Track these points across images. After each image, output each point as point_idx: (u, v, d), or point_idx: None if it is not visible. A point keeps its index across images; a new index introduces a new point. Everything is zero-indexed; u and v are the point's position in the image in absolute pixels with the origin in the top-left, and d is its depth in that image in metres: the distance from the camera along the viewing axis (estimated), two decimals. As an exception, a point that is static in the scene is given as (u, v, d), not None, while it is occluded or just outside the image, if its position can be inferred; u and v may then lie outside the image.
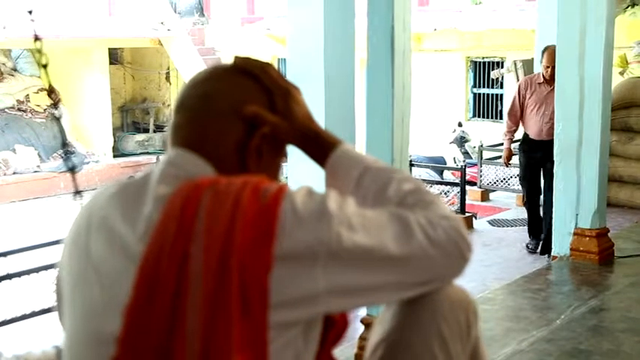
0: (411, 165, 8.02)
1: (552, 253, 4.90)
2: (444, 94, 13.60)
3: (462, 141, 12.40)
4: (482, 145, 9.62)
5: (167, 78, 16.67)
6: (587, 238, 4.70)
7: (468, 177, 8.73)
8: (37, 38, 2.43)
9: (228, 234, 1.05)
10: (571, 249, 4.74)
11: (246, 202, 1.07)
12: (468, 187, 8.58)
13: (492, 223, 7.60)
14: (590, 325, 3.66)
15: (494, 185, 9.25)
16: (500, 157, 7.97)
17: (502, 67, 12.00)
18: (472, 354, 1.29)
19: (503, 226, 7.38)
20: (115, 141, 15.50)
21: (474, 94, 13.75)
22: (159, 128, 16.34)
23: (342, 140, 1.27)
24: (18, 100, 14.60)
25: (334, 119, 3.45)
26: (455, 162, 11.86)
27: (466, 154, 12.04)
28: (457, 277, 1.18)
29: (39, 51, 2.42)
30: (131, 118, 16.94)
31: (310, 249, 1.05)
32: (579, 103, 4.65)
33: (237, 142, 1.18)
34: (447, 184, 9.24)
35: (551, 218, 5.03)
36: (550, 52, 5.51)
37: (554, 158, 4.81)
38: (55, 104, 12.26)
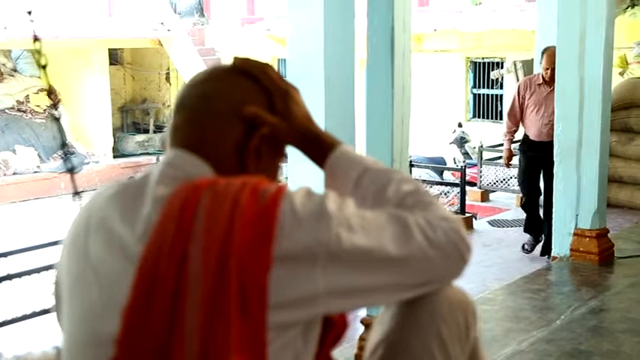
0: (411, 165, 8.02)
1: (552, 254, 4.90)
2: (443, 94, 13.60)
3: (461, 141, 12.40)
4: (482, 146, 9.62)
5: (167, 78, 16.67)
6: (587, 239, 4.70)
7: (467, 177, 8.74)
8: (36, 39, 2.43)
9: (227, 235, 1.05)
10: (571, 249, 4.74)
11: (245, 203, 1.07)
12: (467, 188, 8.59)
13: (492, 223, 7.60)
14: (590, 326, 3.66)
15: (494, 186, 9.25)
16: (500, 157, 7.99)
17: (502, 68, 12.01)
18: (471, 355, 1.29)
19: (503, 227, 7.38)
20: (114, 141, 15.50)
21: (474, 95, 13.75)
22: (159, 129, 16.34)
23: (341, 141, 1.27)
24: (18, 101, 14.61)
25: (334, 120, 3.45)
26: (455, 162, 11.86)
27: (466, 154, 12.04)
28: (456, 279, 1.18)
29: (38, 52, 2.42)
30: (131, 118, 16.95)
31: (309, 250, 1.05)
32: (579, 104, 4.65)
33: (236, 142, 1.18)
34: (447, 184, 9.25)
35: (551, 219, 5.03)
36: (549, 53, 5.50)
37: (555, 159, 4.80)
38: (55, 105, 12.26)
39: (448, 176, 11.08)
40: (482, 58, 13.42)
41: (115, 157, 15.24)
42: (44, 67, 2.41)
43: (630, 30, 9.22)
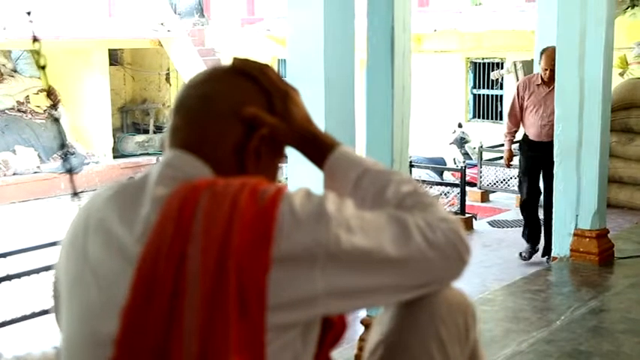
0: (411, 166, 8.02)
1: (552, 254, 4.90)
2: (443, 95, 13.60)
3: (461, 142, 12.40)
4: (482, 146, 9.62)
5: (167, 79, 16.67)
6: (587, 239, 4.69)
7: (467, 178, 8.75)
8: (35, 39, 2.42)
9: (225, 235, 1.05)
10: (571, 250, 4.74)
11: (243, 204, 1.07)
12: (468, 188, 8.59)
13: (492, 224, 7.60)
14: (590, 326, 3.66)
15: (494, 186, 9.26)
16: (500, 158, 7.99)
17: (502, 68, 12.01)
18: (471, 357, 1.29)
19: (503, 227, 7.39)
20: (114, 142, 15.50)
21: (474, 95, 13.75)
22: (159, 129, 16.34)
23: (340, 142, 1.27)
24: (18, 101, 14.60)
25: (334, 120, 3.45)
26: (455, 163, 11.86)
27: (466, 155, 12.05)
28: (455, 280, 1.18)
29: (37, 52, 2.42)
30: (131, 119, 16.95)
31: (308, 251, 1.05)
32: (579, 104, 4.65)
33: (235, 143, 1.18)
34: (447, 185, 9.25)
35: (551, 220, 5.02)
36: (548, 54, 5.49)
37: (555, 159, 4.80)
38: (55, 105, 12.26)
39: (448, 177, 11.09)
40: (483, 59, 13.42)
41: (114, 157, 15.24)
42: (43, 67, 2.41)
43: (630, 30, 9.22)
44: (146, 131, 16.49)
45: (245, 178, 1.13)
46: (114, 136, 15.49)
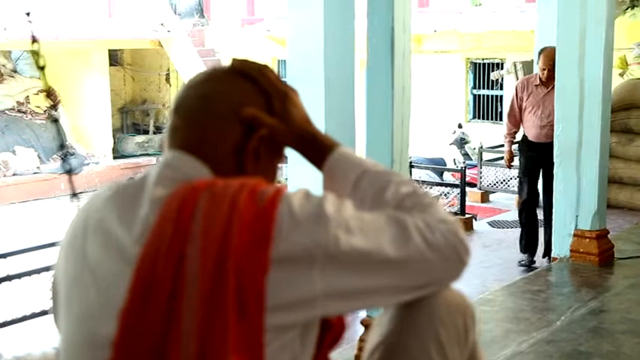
0: (411, 166, 8.01)
1: (552, 255, 4.90)
2: (443, 95, 13.60)
3: (461, 142, 12.41)
4: (482, 147, 9.62)
5: (167, 79, 16.68)
6: (587, 240, 4.69)
7: (468, 178, 8.75)
8: (34, 40, 2.42)
9: (224, 236, 1.05)
10: (571, 250, 4.74)
11: (243, 205, 1.07)
12: (468, 189, 8.59)
13: (492, 224, 7.60)
14: (590, 327, 3.65)
15: (494, 187, 9.26)
16: (500, 158, 7.98)
17: (502, 69, 12.00)
18: (470, 358, 1.29)
19: (504, 228, 7.38)
20: (114, 142, 15.51)
21: (474, 96, 13.76)
22: (159, 130, 16.34)
23: (339, 143, 1.26)
24: (18, 102, 14.61)
25: (334, 120, 3.44)
26: (455, 163, 11.86)
27: (466, 155, 12.05)
28: (455, 281, 1.17)
29: (37, 53, 2.42)
30: (131, 119, 16.95)
31: (307, 252, 1.05)
32: (579, 105, 4.65)
33: (234, 144, 1.18)
34: (447, 185, 9.25)
35: (551, 220, 5.02)
36: (546, 54, 5.48)
37: (555, 160, 4.80)
38: (54, 106, 12.26)
39: (448, 177, 11.09)
40: (483, 59, 13.43)
41: (114, 158, 15.25)
42: (42, 68, 2.40)
43: (630, 31, 9.23)
44: (146, 132, 16.49)
45: (244, 178, 1.13)
46: (114, 136, 15.50)
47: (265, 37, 14.88)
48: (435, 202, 1.19)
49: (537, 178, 5.81)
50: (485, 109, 13.64)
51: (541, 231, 5.85)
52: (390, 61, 3.29)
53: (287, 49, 3.77)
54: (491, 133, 11.63)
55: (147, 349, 1.04)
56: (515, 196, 7.79)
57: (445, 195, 8.68)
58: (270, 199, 1.08)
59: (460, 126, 12.82)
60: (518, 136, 6.10)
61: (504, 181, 9.07)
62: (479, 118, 13.69)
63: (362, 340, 3.15)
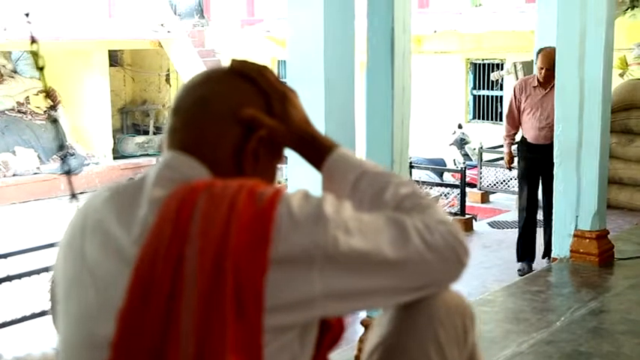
0: (411, 167, 8.02)
1: (552, 255, 4.90)
2: (443, 96, 13.60)
3: (461, 143, 12.41)
4: (482, 147, 9.62)
5: (167, 80, 16.68)
6: (587, 240, 4.69)
7: (467, 179, 8.75)
8: (33, 41, 2.42)
9: (223, 237, 1.05)
10: (571, 251, 4.73)
11: (241, 206, 1.07)
12: (468, 189, 8.60)
13: (492, 224, 7.60)
14: (590, 327, 3.65)
15: (494, 187, 9.26)
16: (500, 159, 7.98)
17: (502, 69, 11.99)
18: (469, 360, 1.29)
19: (503, 228, 7.38)
20: (114, 143, 15.51)
21: (474, 96, 13.76)
22: (159, 130, 16.33)
23: (338, 144, 1.26)
24: (18, 102, 14.61)
25: (334, 121, 3.44)
26: (455, 164, 11.86)
27: (466, 155, 12.05)
28: (454, 282, 1.17)
29: (36, 53, 2.42)
30: (131, 120, 16.95)
31: (306, 253, 1.05)
32: (579, 105, 4.65)
33: (233, 145, 1.18)
34: (447, 185, 9.25)
35: (551, 221, 5.01)
36: (545, 53, 5.45)
37: (555, 160, 4.80)
38: (54, 106, 12.26)
39: (448, 177, 11.09)
40: (482, 60, 13.43)
41: (114, 158, 15.25)
42: (42, 68, 2.40)
43: (630, 31, 9.23)
44: (146, 132, 16.50)
45: (243, 179, 1.13)
46: (114, 137, 15.51)
47: (265, 38, 14.88)
48: (434, 203, 1.19)
49: (537, 183, 5.72)
50: (485, 109, 13.64)
51: (540, 231, 5.83)
52: (390, 62, 3.28)
53: (287, 49, 3.77)
54: (491, 134, 11.63)
55: (145, 349, 1.04)
56: (516, 197, 7.79)
57: (445, 195, 8.68)
58: (269, 200, 1.08)
59: (460, 126, 12.82)
60: (518, 137, 6.08)
61: (504, 181, 9.07)
62: (479, 118, 13.69)
63: (362, 340, 3.14)
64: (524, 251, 5.77)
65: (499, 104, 13.25)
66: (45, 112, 14.75)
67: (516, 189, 7.22)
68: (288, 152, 1.27)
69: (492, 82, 12.90)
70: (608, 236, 4.82)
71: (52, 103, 14.40)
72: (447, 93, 13.63)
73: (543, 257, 5.69)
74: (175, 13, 15.95)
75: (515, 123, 5.81)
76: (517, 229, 6.00)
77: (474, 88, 13.71)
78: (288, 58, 3.73)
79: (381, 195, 1.19)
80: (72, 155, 13.83)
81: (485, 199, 9.35)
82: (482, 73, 13.47)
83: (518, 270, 5.75)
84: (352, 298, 1.08)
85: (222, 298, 1.02)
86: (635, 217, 6.53)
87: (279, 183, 1.29)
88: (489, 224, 7.65)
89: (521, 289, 4.35)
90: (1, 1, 12.07)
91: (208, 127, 1.18)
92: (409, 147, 3.47)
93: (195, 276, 1.04)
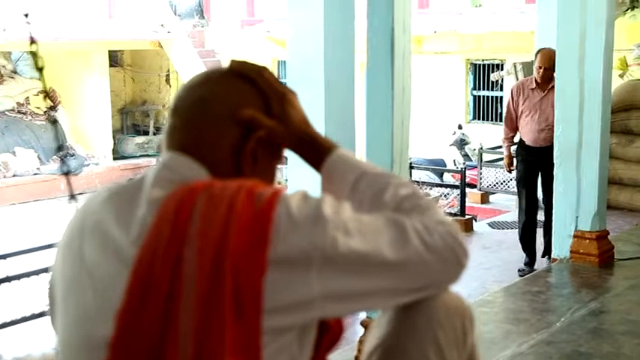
0: (411, 167, 8.01)
1: (552, 256, 4.89)
2: (443, 96, 13.60)
3: (461, 143, 12.41)
4: (482, 148, 9.62)
5: (167, 80, 16.68)
6: (587, 241, 4.69)
7: (467, 179, 8.75)
8: (32, 41, 2.42)
9: (222, 238, 1.04)
10: (571, 251, 4.73)
11: (240, 206, 1.07)
12: (467, 190, 8.59)
13: (492, 225, 7.60)
14: (590, 328, 3.65)
15: (494, 188, 9.26)
16: (500, 159, 7.97)
17: (502, 70, 11.98)
18: (469, 362, 1.29)
19: (503, 229, 7.38)
20: (114, 143, 15.51)
21: (474, 97, 13.76)
22: (159, 131, 16.32)
23: (338, 145, 1.26)
24: (18, 103, 14.62)
25: (334, 122, 3.44)
26: (455, 164, 11.86)
27: (466, 156, 12.05)
28: (453, 283, 1.17)
29: (35, 54, 2.41)
30: (131, 120, 16.96)
31: (305, 254, 1.05)
32: (579, 106, 4.65)
33: (232, 145, 1.18)
34: (447, 186, 9.24)
35: (551, 222, 5.01)
36: (544, 53, 5.43)
37: (555, 161, 4.79)
38: (54, 107, 12.26)
39: (448, 178, 11.08)
40: (482, 60, 13.43)
41: (114, 158, 15.26)
42: (41, 69, 2.40)
43: (630, 32, 9.22)
44: (146, 133, 16.50)
45: (242, 180, 1.13)
46: (114, 137, 15.51)
47: (265, 39, 14.88)
48: (433, 204, 1.19)
49: (536, 185, 5.70)
50: (485, 110, 13.64)
51: (540, 232, 5.82)
52: (390, 62, 3.28)
53: (287, 50, 3.77)
54: (491, 134, 11.62)
55: (144, 350, 1.04)
56: (516, 198, 7.77)
57: (445, 196, 8.68)
58: (267, 201, 1.08)
59: (460, 127, 12.82)
60: (517, 138, 6.05)
61: (504, 182, 9.07)
62: (479, 119, 13.69)
63: (361, 341, 3.14)
64: (526, 245, 5.78)
65: (499, 105, 13.25)
66: (45, 112, 14.75)
67: (516, 189, 7.21)
68: (287, 153, 1.27)
69: (492, 82, 12.89)
70: (608, 237, 4.82)
71: (51, 104, 14.40)
72: (447, 93, 13.63)
73: (543, 256, 5.68)
74: (175, 14, 15.96)
75: (513, 125, 5.77)
76: (517, 230, 5.99)
77: (474, 88, 13.70)
78: (288, 58, 3.73)
79: (380, 196, 1.19)
80: (72, 156, 13.83)
81: (485, 199, 9.35)
82: (482, 73, 13.47)
83: (519, 270, 5.73)
84: (351, 300, 1.08)
85: (221, 299, 1.02)
86: (635, 217, 6.53)
87: (279, 184, 1.29)
88: (489, 225, 7.64)
89: (521, 289, 4.35)
90: (0, 1, 12.06)
91: (207, 128, 1.18)
92: (409, 147, 3.47)
93: (193, 277, 1.04)
